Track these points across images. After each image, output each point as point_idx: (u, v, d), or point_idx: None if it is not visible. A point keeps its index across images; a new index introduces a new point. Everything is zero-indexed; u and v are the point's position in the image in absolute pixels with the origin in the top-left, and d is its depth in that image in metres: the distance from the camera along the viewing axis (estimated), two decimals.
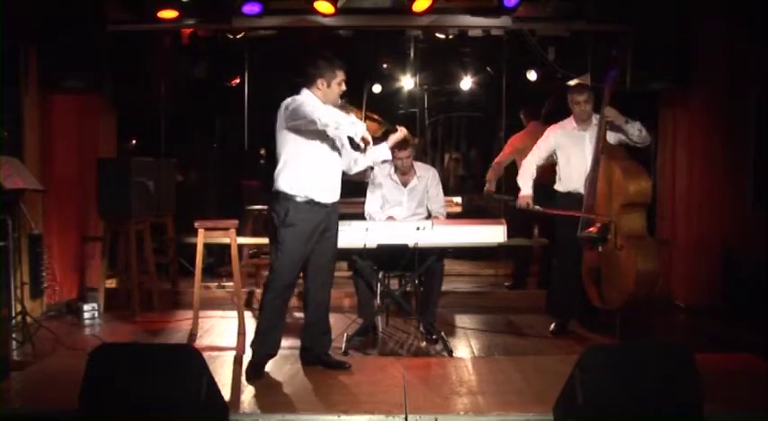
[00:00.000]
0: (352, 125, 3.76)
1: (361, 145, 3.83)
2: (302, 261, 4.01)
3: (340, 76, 3.96)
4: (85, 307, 5.63)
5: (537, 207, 4.95)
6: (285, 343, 4.54)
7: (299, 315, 4.59)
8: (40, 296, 5.48)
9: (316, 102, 3.89)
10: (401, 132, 4.19)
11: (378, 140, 4.13)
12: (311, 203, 3.93)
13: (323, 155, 3.96)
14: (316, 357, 4.16)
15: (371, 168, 4.37)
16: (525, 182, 5.08)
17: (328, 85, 3.95)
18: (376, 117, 4.00)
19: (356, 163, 4.23)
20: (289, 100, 3.93)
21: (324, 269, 4.11)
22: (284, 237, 3.93)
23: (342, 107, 4.02)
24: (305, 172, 3.92)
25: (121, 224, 5.74)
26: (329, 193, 4.00)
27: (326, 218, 4.01)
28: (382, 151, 4.20)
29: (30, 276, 5.23)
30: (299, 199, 3.92)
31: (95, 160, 5.82)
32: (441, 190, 5.18)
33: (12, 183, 4.71)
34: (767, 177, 5.10)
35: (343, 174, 4.17)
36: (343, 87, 4.00)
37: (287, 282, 3.98)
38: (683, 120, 6.18)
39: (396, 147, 4.91)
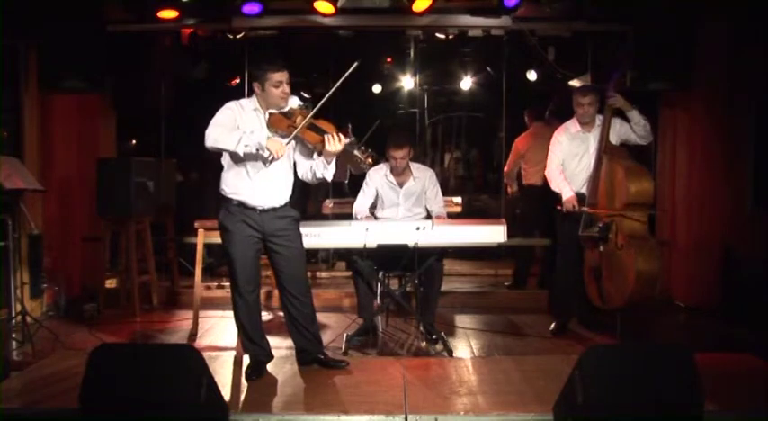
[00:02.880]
0: (242, 145, 3.69)
1: (267, 157, 3.75)
2: (254, 263, 4.00)
3: (274, 77, 3.83)
4: (85, 307, 5.63)
5: (584, 208, 4.85)
6: (285, 343, 4.55)
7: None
8: (40, 296, 5.48)
9: (221, 119, 3.83)
10: (334, 146, 3.78)
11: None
12: (241, 206, 3.92)
13: (254, 161, 3.86)
14: (312, 357, 4.15)
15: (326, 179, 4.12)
16: (562, 185, 4.99)
17: (262, 89, 3.88)
18: (320, 127, 3.87)
19: (308, 177, 4.06)
20: None
21: (297, 273, 4.07)
22: (225, 242, 3.97)
23: (286, 114, 3.88)
24: (238, 175, 3.92)
25: (121, 224, 5.75)
26: (263, 198, 3.93)
27: (264, 221, 3.94)
28: (319, 166, 3.95)
29: (30, 276, 5.23)
30: (230, 201, 3.94)
31: (95, 160, 5.82)
32: (439, 190, 5.16)
33: (12, 183, 4.71)
34: (767, 177, 5.10)
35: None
36: (284, 88, 3.86)
37: (249, 282, 3.97)
38: (683, 120, 6.18)
39: (391, 147, 4.92)
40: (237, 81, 7.43)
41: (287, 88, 3.88)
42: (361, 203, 5.10)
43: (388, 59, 8.05)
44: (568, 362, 3.19)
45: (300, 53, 7.03)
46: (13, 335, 4.69)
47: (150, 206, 5.92)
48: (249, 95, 4.05)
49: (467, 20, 6.16)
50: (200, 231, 5.14)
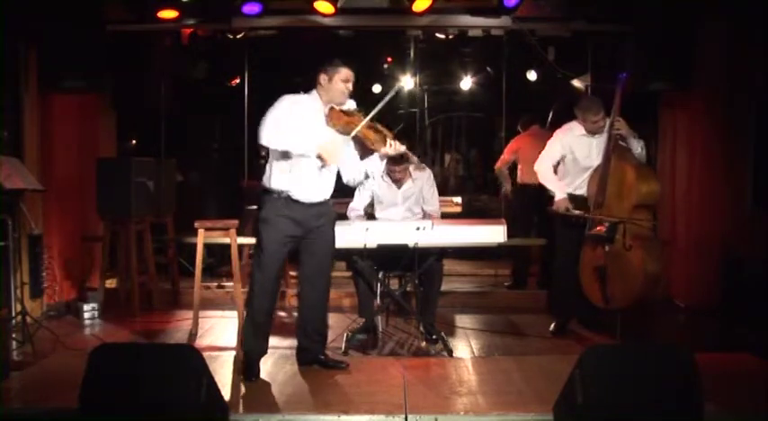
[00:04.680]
0: (299, 147, 3.78)
1: (319, 163, 3.83)
2: (283, 259, 4.03)
3: (344, 72, 3.93)
4: (85, 307, 5.63)
5: (576, 211, 4.82)
6: (284, 342, 4.56)
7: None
8: (40, 296, 5.48)
9: (276, 115, 3.84)
10: (395, 150, 3.93)
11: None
12: (288, 200, 3.93)
13: (305, 157, 3.89)
14: (312, 357, 4.15)
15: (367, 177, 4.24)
16: (555, 185, 4.97)
17: (330, 80, 3.94)
18: (380, 129, 3.96)
19: (355, 178, 4.12)
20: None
21: (320, 271, 4.09)
22: (261, 233, 3.96)
23: (346, 112, 3.95)
24: (286, 169, 3.92)
25: (121, 224, 5.75)
26: (310, 192, 3.96)
27: (308, 217, 3.97)
28: (375, 163, 4.05)
29: (30, 276, 5.22)
30: (275, 195, 3.94)
31: (95, 160, 5.82)
32: (435, 191, 5.15)
33: (12, 183, 4.71)
34: (767, 177, 5.10)
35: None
36: (349, 87, 3.96)
37: (271, 279, 3.98)
38: (683, 120, 6.18)
39: (390, 161, 4.92)
40: (237, 81, 7.44)
41: (351, 87, 3.97)
42: (357, 202, 5.10)
43: (388, 59, 8.05)
44: (568, 362, 3.19)
45: (300, 53, 7.03)
46: (13, 335, 4.68)
47: (150, 206, 5.92)
48: (307, 91, 4.04)
49: (467, 20, 6.16)
50: (200, 231, 5.13)
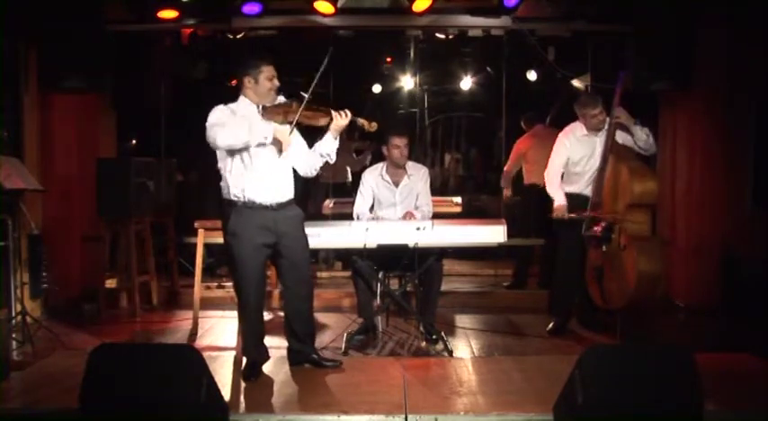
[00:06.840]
0: (254, 134, 3.77)
1: (275, 151, 3.85)
2: (262, 267, 4.00)
3: (266, 70, 3.91)
4: (85, 307, 5.63)
5: (572, 215, 4.85)
6: (285, 343, 4.54)
7: None
8: (40, 296, 5.48)
9: (219, 120, 3.84)
10: (344, 119, 3.95)
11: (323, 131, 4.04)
12: (254, 206, 3.90)
13: (258, 155, 3.88)
14: (304, 357, 4.16)
15: (328, 162, 4.16)
16: (557, 192, 5.01)
17: (256, 82, 3.93)
18: (319, 107, 3.97)
19: (313, 166, 4.09)
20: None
21: (301, 278, 4.07)
22: (233, 247, 3.91)
23: (280, 105, 3.94)
24: (241, 175, 3.90)
25: (121, 224, 5.75)
26: (272, 192, 3.93)
27: (277, 220, 3.94)
28: (327, 142, 4.01)
29: (30, 276, 5.22)
30: (239, 204, 3.90)
31: (95, 160, 5.82)
32: (428, 189, 5.12)
33: (12, 183, 4.71)
34: (767, 177, 5.10)
35: (315, 178, 4.11)
36: (275, 82, 3.94)
37: (253, 291, 3.95)
38: (683, 120, 6.17)
39: (393, 134, 4.90)
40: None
41: (277, 82, 3.95)
42: (360, 205, 5.09)
43: (388, 59, 8.05)
44: (568, 362, 3.19)
45: (300, 53, 7.03)
46: (13, 335, 4.68)
47: (150, 206, 5.92)
48: (234, 100, 4.04)
49: (467, 20, 6.16)
50: (201, 231, 5.14)
